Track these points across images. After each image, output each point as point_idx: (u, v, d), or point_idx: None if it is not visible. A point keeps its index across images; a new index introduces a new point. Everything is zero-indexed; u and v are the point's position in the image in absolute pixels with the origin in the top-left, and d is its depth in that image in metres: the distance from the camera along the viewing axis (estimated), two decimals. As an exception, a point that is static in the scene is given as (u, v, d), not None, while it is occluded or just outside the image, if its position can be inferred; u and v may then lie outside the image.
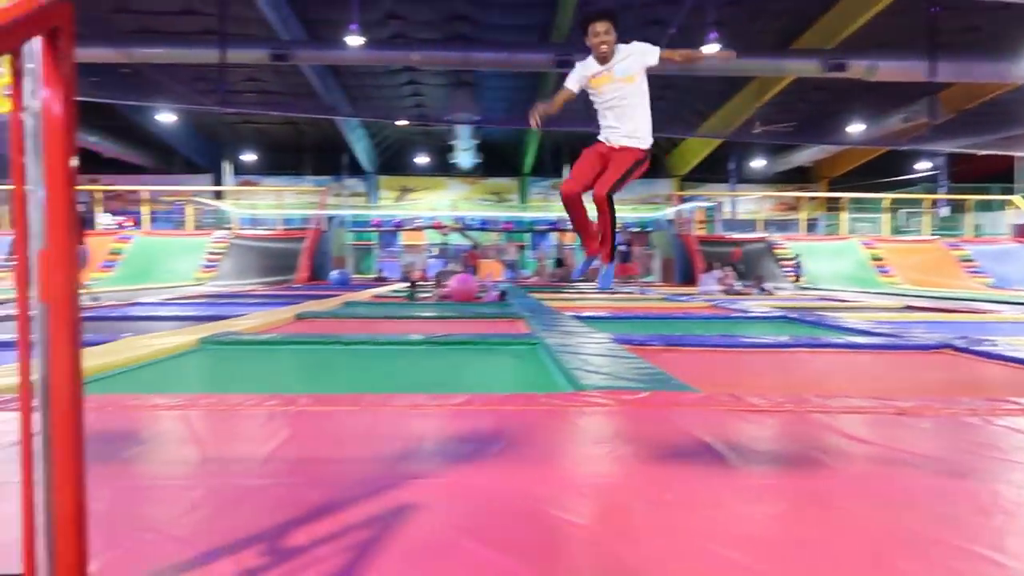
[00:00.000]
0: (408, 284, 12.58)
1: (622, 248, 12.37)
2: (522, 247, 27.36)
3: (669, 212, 25.78)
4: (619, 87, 3.50)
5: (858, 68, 15.67)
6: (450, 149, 27.95)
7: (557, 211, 29.22)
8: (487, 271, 18.93)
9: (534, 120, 3.67)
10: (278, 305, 8.84)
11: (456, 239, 25.22)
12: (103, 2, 16.06)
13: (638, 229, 24.76)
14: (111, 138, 26.02)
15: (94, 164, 27.48)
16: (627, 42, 3.55)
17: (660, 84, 21.42)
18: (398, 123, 25.99)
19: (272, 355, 4.50)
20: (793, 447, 2.15)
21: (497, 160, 30.57)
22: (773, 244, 21.08)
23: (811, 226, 27.61)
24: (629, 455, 2.01)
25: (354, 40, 15.03)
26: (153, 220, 22.62)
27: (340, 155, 29.05)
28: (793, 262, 19.02)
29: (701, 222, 25.76)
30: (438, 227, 23.52)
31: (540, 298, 11.18)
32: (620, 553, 1.33)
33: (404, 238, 26.84)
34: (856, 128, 23.11)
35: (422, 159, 31.61)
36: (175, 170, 28.98)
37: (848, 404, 2.70)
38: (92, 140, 25.09)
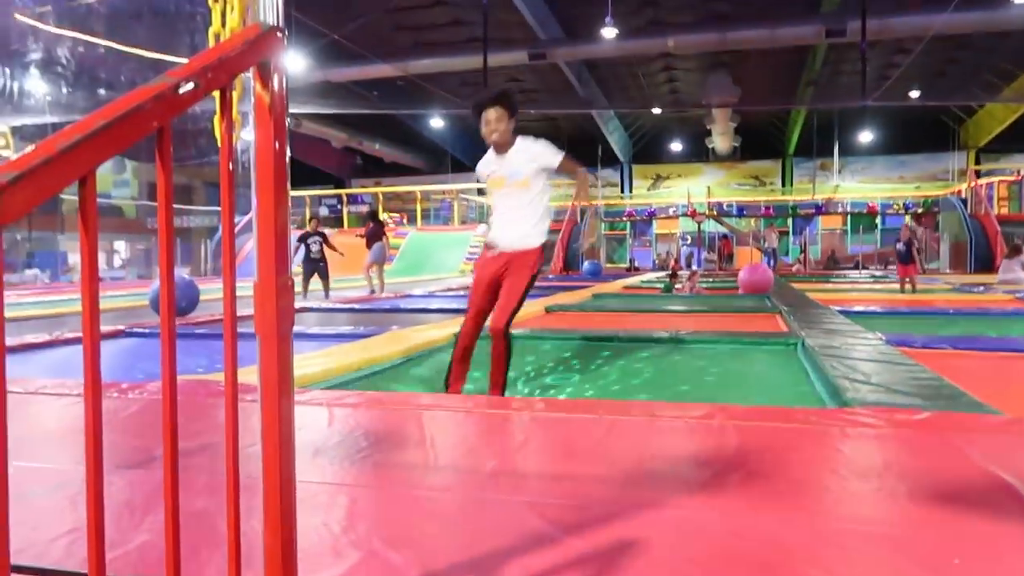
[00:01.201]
0: (668, 275, 12.25)
1: (900, 247, 10.61)
2: (784, 233, 25.61)
3: (962, 190, 22.58)
4: (511, 192, 3.11)
5: None
6: (707, 133, 27.00)
7: (824, 192, 27.00)
8: (743, 260, 18.02)
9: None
10: (531, 297, 9.09)
11: (712, 226, 24.31)
12: (384, 23, 17.73)
13: (922, 210, 21.99)
14: (391, 144, 28.82)
15: (378, 168, 30.67)
16: (528, 136, 3.13)
17: (953, 45, 18.75)
18: (654, 111, 25.62)
19: (518, 351, 4.58)
20: None
21: (757, 142, 28.97)
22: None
23: None
24: (903, 495, 1.68)
25: (609, 32, 15.11)
26: (425, 217, 24.62)
27: (595, 147, 29.38)
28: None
29: (1003, 199, 22.22)
30: (692, 215, 22.84)
31: (803, 288, 10.36)
32: (887, 633, 1.08)
33: (657, 226, 26.45)
34: None
35: (676, 146, 30.93)
36: (444, 170, 31.31)
37: None
38: (376, 147, 28.03)
